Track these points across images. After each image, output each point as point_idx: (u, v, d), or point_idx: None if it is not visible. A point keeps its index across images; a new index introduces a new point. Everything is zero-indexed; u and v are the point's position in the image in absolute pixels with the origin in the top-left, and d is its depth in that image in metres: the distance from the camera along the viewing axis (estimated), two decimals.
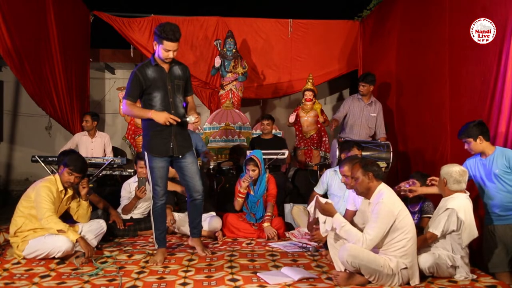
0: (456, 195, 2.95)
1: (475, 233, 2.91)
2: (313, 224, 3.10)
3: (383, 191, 2.77)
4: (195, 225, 3.50)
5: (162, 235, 3.33)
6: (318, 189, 4.21)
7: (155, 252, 3.47)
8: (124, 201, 4.37)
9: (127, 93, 3.15)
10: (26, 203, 3.34)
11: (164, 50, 3.05)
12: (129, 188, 4.41)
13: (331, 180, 4.10)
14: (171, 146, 3.18)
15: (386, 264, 2.66)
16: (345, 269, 2.76)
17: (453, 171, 2.96)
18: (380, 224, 2.65)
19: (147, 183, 4.34)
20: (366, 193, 2.83)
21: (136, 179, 4.37)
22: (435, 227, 2.87)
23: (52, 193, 3.32)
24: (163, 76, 3.16)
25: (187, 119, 3.16)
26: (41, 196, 3.27)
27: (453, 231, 2.85)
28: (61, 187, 3.42)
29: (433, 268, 2.79)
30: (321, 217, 2.94)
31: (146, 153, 3.23)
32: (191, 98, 3.39)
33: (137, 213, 4.42)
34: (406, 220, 2.70)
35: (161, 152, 3.19)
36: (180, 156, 3.26)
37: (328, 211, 2.86)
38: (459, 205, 2.88)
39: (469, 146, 3.31)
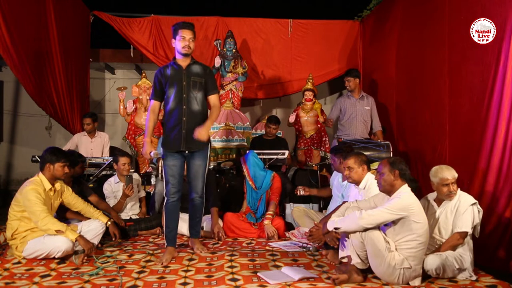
0: (460, 191, 3.05)
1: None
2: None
3: (405, 191, 2.77)
4: (193, 224, 3.54)
5: (172, 233, 3.36)
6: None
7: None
8: (110, 201, 4.35)
9: (151, 93, 3.39)
10: (17, 208, 3.31)
11: (182, 39, 3.22)
12: (110, 188, 4.40)
13: (334, 179, 4.11)
14: (181, 141, 3.27)
15: (392, 253, 2.66)
16: (347, 257, 2.80)
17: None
18: (386, 210, 2.66)
19: (134, 180, 4.38)
20: (390, 190, 2.82)
21: (117, 179, 4.39)
22: (464, 224, 2.89)
23: (40, 194, 3.28)
24: (179, 73, 3.30)
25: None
26: (31, 201, 3.23)
27: (477, 224, 2.94)
28: (48, 186, 3.39)
29: (439, 270, 2.77)
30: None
31: (162, 149, 3.36)
32: (214, 97, 3.40)
33: (131, 214, 4.43)
34: (422, 226, 2.70)
35: (172, 146, 3.30)
36: (187, 152, 3.32)
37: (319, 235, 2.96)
38: (472, 197, 2.99)
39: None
